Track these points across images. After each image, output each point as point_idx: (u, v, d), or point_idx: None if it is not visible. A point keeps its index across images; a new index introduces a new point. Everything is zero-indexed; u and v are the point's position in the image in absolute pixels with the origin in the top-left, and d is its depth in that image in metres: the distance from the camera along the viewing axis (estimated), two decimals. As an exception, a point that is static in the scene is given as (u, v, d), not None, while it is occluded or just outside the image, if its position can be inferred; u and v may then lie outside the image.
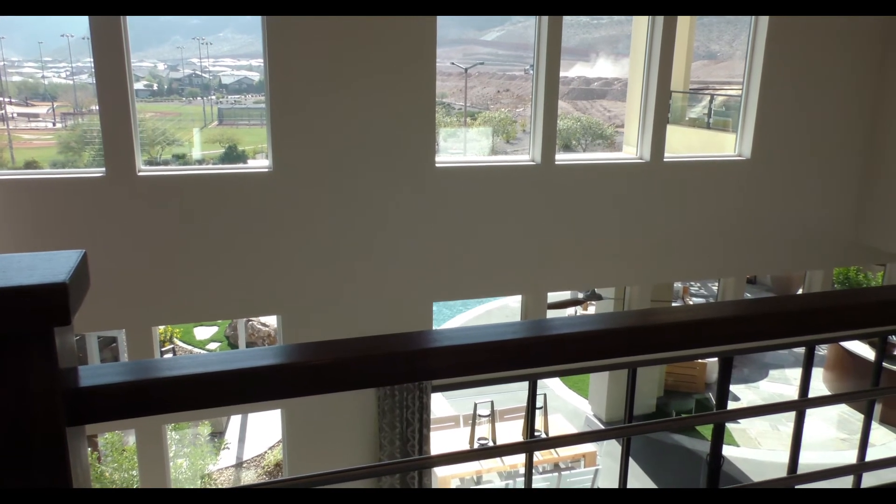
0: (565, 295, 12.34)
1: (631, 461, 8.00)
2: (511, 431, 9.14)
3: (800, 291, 11.78)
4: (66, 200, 5.21)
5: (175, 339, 13.64)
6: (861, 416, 8.88)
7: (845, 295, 1.32)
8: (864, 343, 10.87)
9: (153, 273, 5.43)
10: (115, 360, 11.02)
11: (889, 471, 8.34)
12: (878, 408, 10.34)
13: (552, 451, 8.76)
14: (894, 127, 6.93)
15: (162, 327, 12.04)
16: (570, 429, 9.83)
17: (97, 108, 5.20)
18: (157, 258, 5.42)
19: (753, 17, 6.64)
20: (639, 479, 9.31)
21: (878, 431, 10.28)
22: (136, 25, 5.29)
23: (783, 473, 8.49)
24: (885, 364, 8.67)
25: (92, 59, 5.09)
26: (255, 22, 5.42)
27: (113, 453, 8.50)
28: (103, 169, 5.23)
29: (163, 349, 12.60)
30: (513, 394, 10.08)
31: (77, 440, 0.83)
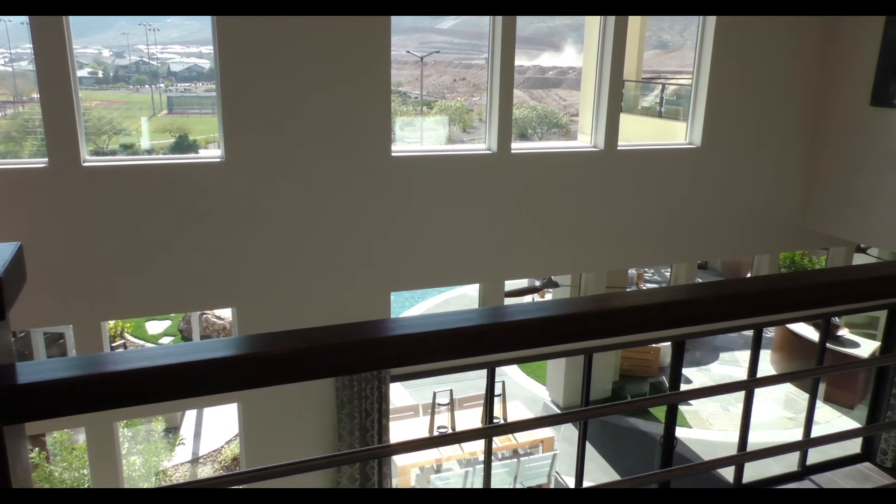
0: (523, 283, 12.46)
1: (588, 445, 8.15)
2: (470, 419, 9.20)
3: (748, 275, 12.11)
4: (7, 192, 5.00)
5: (126, 335, 13.30)
6: (806, 396, 9.22)
7: (791, 278, 1.36)
8: (809, 325, 11.27)
9: (101, 267, 5.27)
10: (63, 356, 10.67)
11: (833, 446, 8.68)
12: (822, 387, 10.75)
13: (511, 437, 8.86)
14: (837, 116, 7.17)
15: (112, 322, 11.72)
16: (529, 415, 9.95)
17: (38, 96, 4.99)
18: (106, 251, 5.26)
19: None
20: (596, 462, 9.49)
21: (823, 410, 10.69)
22: (77, 10, 5.08)
23: (734, 452, 8.76)
24: (828, 345, 9.00)
25: (32, 46, 4.88)
26: (203, 7, 5.27)
27: (62, 452, 8.26)
28: (46, 159, 5.04)
29: (113, 345, 12.27)
30: (471, 382, 10.14)
31: (16, 439, 0.79)
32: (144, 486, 8.48)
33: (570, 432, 9.93)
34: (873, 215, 6.90)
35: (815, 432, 8.73)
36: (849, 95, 7.01)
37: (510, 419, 9.20)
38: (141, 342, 13.64)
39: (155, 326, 14.39)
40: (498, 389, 8.52)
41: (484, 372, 6.90)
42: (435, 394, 8.82)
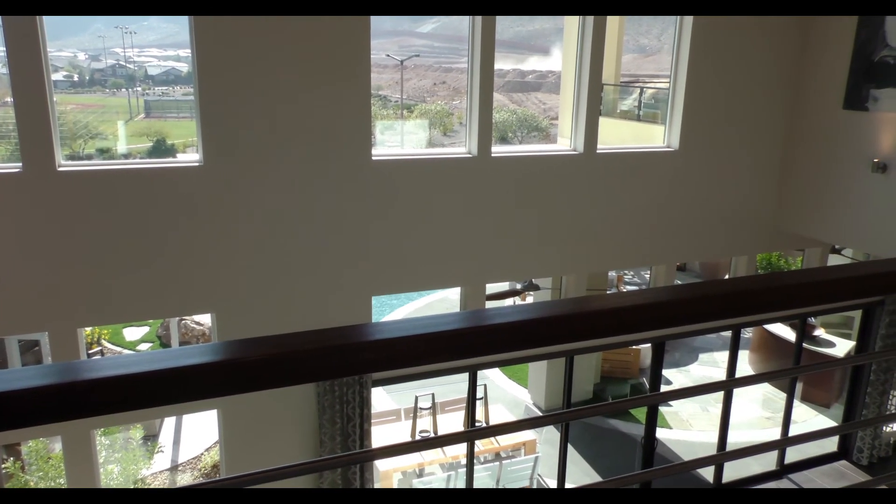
0: (504, 286, 12.48)
1: (570, 447, 8.17)
2: (452, 423, 9.19)
3: (726, 277, 12.26)
4: (-22, 197, 4.91)
5: (103, 341, 13.11)
6: (784, 395, 9.33)
7: (767, 279, 1.37)
8: (786, 325, 11.42)
9: (77, 273, 5.19)
10: (38, 364, 10.50)
11: (810, 445, 8.79)
12: (799, 386, 10.89)
13: (493, 440, 8.86)
14: (811, 119, 7.28)
15: (89, 329, 11.55)
16: (511, 418, 9.96)
17: (12, 100, 4.91)
18: (82, 257, 5.18)
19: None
20: (577, 464, 9.53)
21: (800, 409, 10.83)
22: (52, 12, 5.01)
23: (713, 452, 8.84)
24: (804, 345, 9.13)
25: (4, 48, 4.81)
26: (181, 10, 5.22)
27: (38, 461, 8.12)
28: (20, 164, 4.96)
29: (90, 352, 12.09)
30: (453, 386, 10.12)
31: (-12, 450, 0.78)
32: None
33: (551, 434, 9.96)
34: (847, 217, 7.02)
35: (793, 431, 8.84)
36: (822, 99, 7.13)
37: (492, 422, 9.19)
38: (118, 349, 13.45)
39: (133, 333, 14.20)
40: (480, 393, 8.52)
41: (466, 375, 6.90)
42: (417, 398, 8.79)
